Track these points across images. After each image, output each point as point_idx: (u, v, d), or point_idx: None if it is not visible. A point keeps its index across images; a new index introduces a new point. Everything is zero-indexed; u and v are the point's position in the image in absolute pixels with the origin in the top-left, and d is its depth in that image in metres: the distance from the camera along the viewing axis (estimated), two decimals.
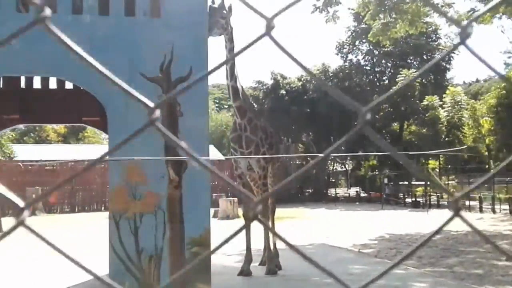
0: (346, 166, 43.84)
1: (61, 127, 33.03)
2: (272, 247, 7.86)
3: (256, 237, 7.70)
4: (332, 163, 41.60)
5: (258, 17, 0.70)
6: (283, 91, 32.03)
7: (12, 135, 21.15)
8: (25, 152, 25.82)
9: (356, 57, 33.14)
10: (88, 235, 13.53)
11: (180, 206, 5.42)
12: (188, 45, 5.49)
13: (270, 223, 8.02)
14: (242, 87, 7.37)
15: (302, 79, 33.19)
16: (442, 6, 16.16)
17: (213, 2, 6.68)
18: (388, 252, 10.64)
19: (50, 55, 5.01)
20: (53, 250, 0.62)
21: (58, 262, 7.03)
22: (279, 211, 18.56)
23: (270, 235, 7.70)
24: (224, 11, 6.86)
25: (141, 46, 5.38)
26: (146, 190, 5.28)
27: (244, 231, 7.23)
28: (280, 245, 9.22)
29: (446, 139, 26.65)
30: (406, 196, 27.16)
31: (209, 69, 5.67)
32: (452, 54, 31.34)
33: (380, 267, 8.03)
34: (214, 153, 27.16)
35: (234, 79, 7.06)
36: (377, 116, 31.91)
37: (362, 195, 32.86)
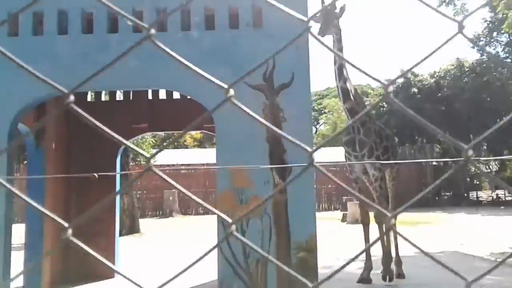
0: (490, 167, 40.54)
1: (197, 133, 35.20)
2: (394, 254, 7.63)
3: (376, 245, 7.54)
4: (476, 161, 38.66)
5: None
6: (415, 89, 30.57)
7: (152, 141, 22.98)
8: (163, 157, 27.99)
9: (494, 49, 30.37)
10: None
11: (285, 210, 5.50)
12: (289, 52, 5.56)
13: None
14: (354, 88, 7.10)
15: (435, 75, 31.37)
16: None
17: (323, 2, 6.56)
18: None
19: (169, 71, 5.49)
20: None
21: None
22: (413, 216, 17.86)
23: (392, 241, 7.53)
24: (337, 11, 6.75)
25: (244, 56, 5.58)
26: (251, 194, 5.44)
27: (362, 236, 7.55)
28: (403, 252, 8.91)
29: None
30: None
31: (310, 74, 5.69)
32: None
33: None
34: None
35: (343, 79, 6.82)
36: None
37: (508, 199, 30.01)
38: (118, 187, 8.62)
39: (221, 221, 5.48)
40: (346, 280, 7.37)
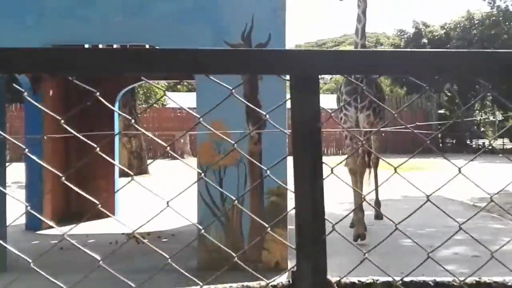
0: (496, 116, 40.05)
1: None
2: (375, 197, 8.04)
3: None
4: (480, 113, 38.27)
5: None
6: (425, 40, 29.96)
7: (165, 84, 22.91)
8: (176, 100, 27.91)
9: (505, 2, 29.29)
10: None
11: (260, 160, 5.81)
12: (267, 14, 5.68)
13: (373, 176, 7.97)
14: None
15: (446, 27, 30.56)
16: None
17: None
18: (503, 207, 9.92)
19: (153, 27, 5.68)
20: None
21: None
22: (415, 162, 18.02)
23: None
24: None
25: (224, 16, 5.71)
26: (229, 146, 5.74)
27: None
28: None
29: None
30: None
31: (286, 35, 5.80)
32: None
33: (481, 221, 7.76)
34: None
35: (364, 37, 6.81)
36: None
37: (508, 147, 29.90)
38: (117, 131, 8.94)
39: (199, 168, 5.84)
40: (333, 220, 7.70)
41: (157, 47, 5.88)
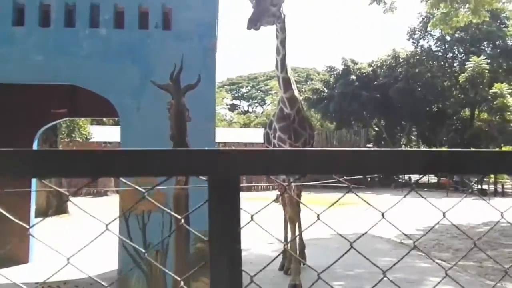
0: (421, 148, 42.40)
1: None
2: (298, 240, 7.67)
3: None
4: (406, 148, 40.34)
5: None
6: (353, 77, 31.33)
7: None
8: (101, 133, 27.10)
9: (427, 42, 31.62)
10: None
11: (186, 204, 5.64)
12: (197, 54, 5.64)
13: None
14: (292, 76, 6.65)
15: (373, 64, 32.24)
16: None
17: None
18: (428, 243, 10.35)
19: (75, 67, 5.45)
20: None
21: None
22: (344, 196, 18.35)
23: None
24: None
25: (153, 56, 5.60)
26: (155, 190, 5.54)
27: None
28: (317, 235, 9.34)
29: None
30: (476, 182, 25.66)
31: (217, 76, 5.78)
32: None
33: (409, 260, 7.90)
34: None
35: (285, 70, 6.36)
36: (447, 103, 30.39)
37: (433, 181, 31.52)
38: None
39: (122, 214, 5.57)
40: (257, 263, 7.61)
41: (83, 87, 5.66)
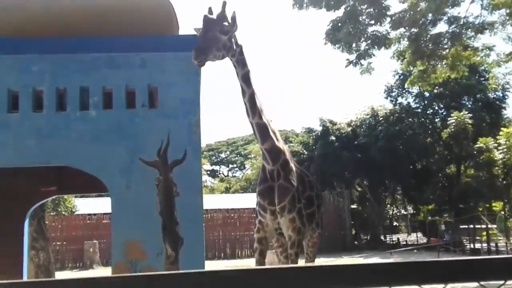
0: (407, 210, 42.72)
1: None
2: None
3: None
4: (392, 207, 40.74)
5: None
6: (332, 137, 32.24)
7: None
8: (86, 206, 27.47)
9: (406, 99, 33.00)
10: None
11: None
12: (182, 130, 6.14)
13: None
14: (270, 122, 5.60)
15: (352, 124, 33.33)
16: (482, 49, 15.95)
17: (210, 12, 5.07)
18: None
19: (67, 149, 5.89)
20: None
21: None
22: (332, 261, 18.60)
23: None
24: (226, 23, 5.06)
25: (140, 134, 6.08)
26: (145, 266, 5.82)
27: None
28: None
29: (504, 182, 25.63)
30: (468, 242, 26.01)
31: (201, 151, 6.26)
32: (507, 92, 30.45)
33: None
34: None
35: (257, 114, 5.35)
36: (431, 160, 31.29)
37: (421, 242, 31.83)
38: (25, 251, 8.66)
39: None
40: None
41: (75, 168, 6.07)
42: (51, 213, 24.40)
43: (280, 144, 5.72)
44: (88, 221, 25.51)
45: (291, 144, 35.31)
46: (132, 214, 5.83)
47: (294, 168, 5.83)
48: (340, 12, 13.94)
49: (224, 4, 5.07)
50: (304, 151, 33.52)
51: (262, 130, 5.47)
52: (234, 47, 5.18)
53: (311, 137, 34.20)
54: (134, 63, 6.18)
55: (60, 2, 6.43)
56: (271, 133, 5.52)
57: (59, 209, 25.82)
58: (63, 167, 8.68)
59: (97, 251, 23.46)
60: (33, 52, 6.06)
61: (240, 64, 5.25)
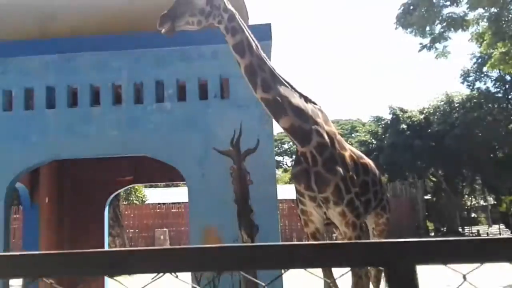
0: (487, 201, 41.05)
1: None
2: None
3: None
4: (470, 198, 39.32)
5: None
6: (403, 125, 31.52)
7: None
8: (155, 196, 28.78)
9: (485, 84, 31.55)
10: None
11: (254, 271, 6.16)
12: (254, 120, 6.35)
13: None
14: (291, 97, 4.77)
15: (425, 111, 32.38)
16: None
17: None
18: None
19: (146, 140, 6.30)
20: None
21: None
22: None
23: None
24: None
25: (213, 124, 6.37)
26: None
27: None
28: None
29: None
30: None
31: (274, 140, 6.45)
32: None
33: None
34: None
35: (260, 87, 4.66)
36: None
37: (504, 235, 30.58)
38: (106, 235, 9.34)
39: (194, 276, 6.16)
40: None
41: (152, 157, 6.48)
42: (124, 203, 25.76)
43: (310, 123, 4.83)
44: (158, 210, 26.68)
45: (357, 134, 34.85)
46: (208, 201, 6.14)
47: (339, 152, 4.98)
48: None
49: None
50: (373, 140, 33.02)
51: (270, 106, 4.73)
52: (221, 12, 4.60)
53: (380, 126, 33.59)
54: (205, 55, 6.47)
55: (133, 0, 6.83)
56: (289, 109, 4.71)
57: (131, 199, 27.24)
58: (138, 157, 9.26)
59: (167, 239, 24.77)
60: (111, 49, 6.49)
61: (230, 31, 4.64)
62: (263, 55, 4.80)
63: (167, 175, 9.51)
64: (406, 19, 13.98)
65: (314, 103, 5.11)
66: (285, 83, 4.87)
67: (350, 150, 5.33)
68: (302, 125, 4.79)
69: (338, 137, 5.21)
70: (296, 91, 4.94)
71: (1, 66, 6.49)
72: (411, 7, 13.81)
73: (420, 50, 15.49)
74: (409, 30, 14.26)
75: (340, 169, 4.86)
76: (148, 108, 6.38)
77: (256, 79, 4.68)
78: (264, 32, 6.31)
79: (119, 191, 10.02)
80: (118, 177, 9.28)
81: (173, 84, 6.47)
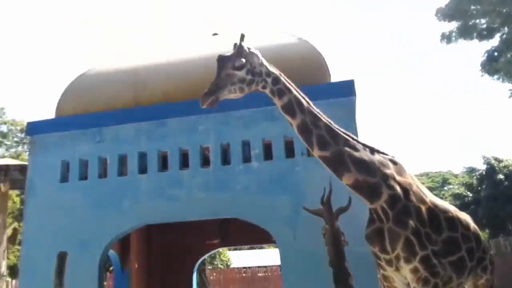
0: None
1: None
2: None
3: None
4: None
5: None
6: (501, 176, 29.55)
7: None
8: (240, 258, 28.61)
9: None
10: None
11: None
12: None
13: None
14: (352, 141, 4.57)
15: None
16: None
17: (242, 39, 4.52)
18: None
19: (234, 201, 6.28)
20: None
21: None
22: None
23: None
24: (242, 59, 4.46)
25: (301, 183, 6.23)
26: None
27: None
28: None
29: None
30: None
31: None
32: None
33: None
34: None
35: (316, 145, 4.44)
36: None
37: None
38: None
39: None
40: None
41: (241, 219, 6.43)
42: (209, 267, 25.79)
43: (377, 176, 4.49)
44: (244, 274, 26.39)
45: (450, 187, 33.14)
46: (302, 265, 5.91)
47: (414, 204, 4.53)
48: (494, 41, 13.22)
49: (242, 37, 4.56)
50: (468, 193, 31.16)
51: (329, 164, 4.50)
52: (264, 78, 4.55)
53: (474, 177, 31.77)
54: None
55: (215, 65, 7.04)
56: (351, 164, 4.44)
57: (215, 263, 27.22)
58: (224, 220, 9.29)
59: None
60: (198, 113, 6.66)
61: (277, 94, 4.53)
62: (317, 111, 4.61)
63: (255, 237, 9.43)
64: (491, 66, 13.50)
65: (384, 154, 4.77)
66: (346, 137, 4.63)
67: (431, 203, 4.76)
68: (368, 179, 4.46)
69: (415, 188, 4.74)
70: (359, 142, 4.67)
71: (98, 135, 6.86)
72: (495, 53, 13.32)
73: (510, 96, 14.88)
74: (495, 76, 13.74)
75: (412, 222, 4.40)
76: (235, 169, 6.41)
77: (311, 138, 4.48)
78: (347, 88, 6.24)
79: (207, 255, 10.04)
80: (205, 240, 9.35)
81: (259, 144, 6.49)
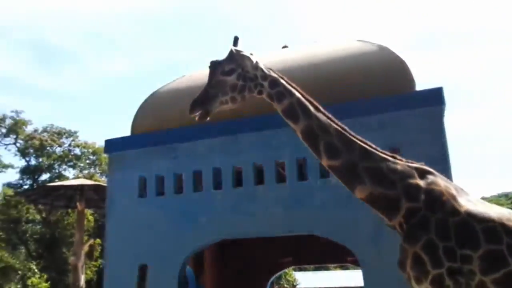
0: None
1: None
2: None
3: None
4: None
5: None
6: None
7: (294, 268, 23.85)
8: (306, 279, 28.15)
9: None
10: None
11: None
12: None
13: None
14: (370, 150, 4.01)
15: None
16: None
17: (235, 43, 4.40)
18: None
19: (309, 217, 6.10)
20: None
21: None
22: None
23: None
24: (232, 63, 4.26)
25: None
26: None
27: None
28: None
29: None
30: None
31: None
32: None
33: None
34: None
35: (324, 154, 4.01)
36: None
37: None
38: None
39: None
40: None
41: (320, 236, 6.23)
42: (276, 287, 25.58)
43: (397, 188, 3.92)
44: None
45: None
46: (387, 282, 5.61)
47: (439, 215, 3.81)
48: None
49: (235, 39, 4.35)
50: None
51: (340, 174, 4.03)
52: (259, 82, 4.25)
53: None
54: (372, 125, 6.21)
55: (297, 74, 6.92)
56: (365, 176, 3.95)
57: (281, 282, 26.92)
58: (298, 237, 9.08)
59: None
60: (273, 127, 6.56)
61: (275, 97, 4.20)
62: (328, 115, 4.12)
63: (328, 256, 9.18)
64: None
65: (409, 161, 4.09)
66: (362, 144, 4.06)
67: (466, 213, 3.85)
68: (386, 192, 3.91)
69: (446, 198, 3.92)
70: (378, 151, 4.07)
71: (173, 152, 6.93)
72: None
73: None
74: None
75: (425, 235, 3.72)
76: (312, 184, 6.24)
77: (317, 145, 4.02)
78: (435, 96, 5.94)
79: (279, 273, 9.89)
80: (278, 258, 9.19)
81: None
